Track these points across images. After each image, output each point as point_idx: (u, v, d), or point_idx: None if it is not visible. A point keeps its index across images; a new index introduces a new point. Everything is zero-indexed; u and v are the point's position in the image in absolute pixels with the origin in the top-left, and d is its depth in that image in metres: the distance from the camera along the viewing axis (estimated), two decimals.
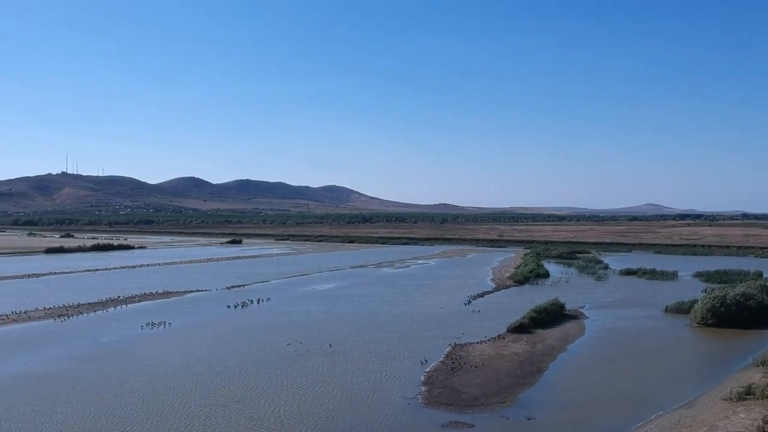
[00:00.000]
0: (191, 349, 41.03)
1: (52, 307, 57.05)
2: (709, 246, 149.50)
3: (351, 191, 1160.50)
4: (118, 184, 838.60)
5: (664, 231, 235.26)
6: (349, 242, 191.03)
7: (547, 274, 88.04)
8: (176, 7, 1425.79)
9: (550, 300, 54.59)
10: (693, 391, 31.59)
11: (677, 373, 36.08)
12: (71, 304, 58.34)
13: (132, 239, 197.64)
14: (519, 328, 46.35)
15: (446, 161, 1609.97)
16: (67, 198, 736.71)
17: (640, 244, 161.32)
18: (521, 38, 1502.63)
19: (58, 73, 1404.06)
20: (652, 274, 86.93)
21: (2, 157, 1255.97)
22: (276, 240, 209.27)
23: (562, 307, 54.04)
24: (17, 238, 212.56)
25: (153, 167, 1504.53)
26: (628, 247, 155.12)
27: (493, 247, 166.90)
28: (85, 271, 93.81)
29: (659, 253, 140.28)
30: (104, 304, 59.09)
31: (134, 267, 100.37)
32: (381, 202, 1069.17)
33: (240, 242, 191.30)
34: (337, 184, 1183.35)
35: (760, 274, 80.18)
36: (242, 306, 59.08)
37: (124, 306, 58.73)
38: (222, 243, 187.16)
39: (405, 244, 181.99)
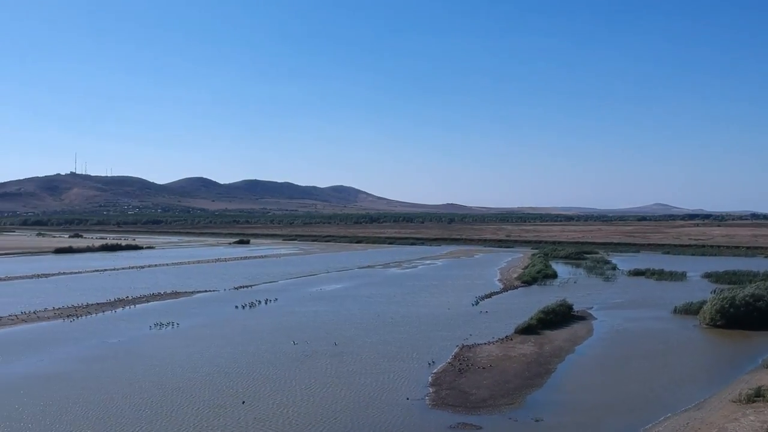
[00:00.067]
0: (199, 349, 41.15)
1: (61, 307, 57.33)
2: (718, 246, 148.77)
3: (358, 191, 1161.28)
4: (126, 184, 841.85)
5: (672, 231, 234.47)
6: (357, 242, 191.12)
7: (555, 275, 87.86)
8: (184, 8, 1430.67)
9: (558, 301, 54.46)
10: (702, 393, 31.45)
11: (686, 375, 35.94)
12: (80, 305, 58.62)
13: (140, 239, 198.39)
14: (527, 329, 46.25)
15: (453, 161, 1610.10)
16: (76, 198, 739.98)
17: (649, 244, 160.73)
18: (528, 37, 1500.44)
19: (67, 74, 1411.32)
20: (660, 275, 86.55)
21: (11, 157, 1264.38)
22: (284, 240, 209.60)
23: (570, 308, 53.90)
24: (26, 238, 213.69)
25: (161, 167, 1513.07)
26: (636, 247, 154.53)
27: (501, 247, 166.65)
28: (93, 271, 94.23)
29: (668, 253, 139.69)
30: (113, 305, 59.33)
31: (142, 267, 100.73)
32: (388, 202, 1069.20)
33: (248, 242, 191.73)
34: (344, 184, 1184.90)
35: None
36: (250, 306, 59.21)
37: (132, 306, 58.95)
38: (230, 243, 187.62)
39: (412, 244, 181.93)
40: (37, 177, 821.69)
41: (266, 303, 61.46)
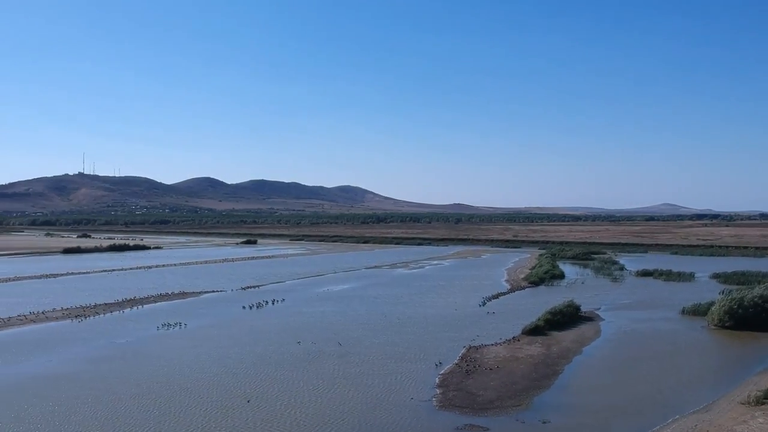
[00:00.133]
0: (207, 350, 41.26)
1: (69, 307, 57.59)
2: (727, 247, 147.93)
3: (365, 191, 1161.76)
4: (134, 184, 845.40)
5: (680, 231, 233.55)
6: (364, 242, 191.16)
7: (562, 275, 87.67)
8: (191, 9, 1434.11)
9: (566, 302, 54.28)
10: (710, 395, 31.31)
11: (694, 377, 35.82)
12: (88, 305, 58.86)
13: (148, 239, 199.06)
14: (534, 330, 46.18)
15: (461, 161, 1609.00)
16: (84, 198, 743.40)
17: (657, 244, 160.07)
18: (535, 37, 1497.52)
19: (75, 74, 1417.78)
20: (668, 276, 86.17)
21: (20, 157, 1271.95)
22: (291, 240, 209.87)
23: (577, 308, 53.73)
24: (35, 238, 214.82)
25: (169, 167, 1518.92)
26: (644, 247, 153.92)
27: (508, 247, 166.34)
28: (101, 271, 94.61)
29: (676, 253, 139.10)
30: (121, 305, 59.56)
31: (150, 267, 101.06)
32: (395, 202, 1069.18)
33: (255, 242, 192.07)
34: (351, 184, 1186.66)
35: None
36: (257, 307, 59.32)
37: (140, 306, 59.16)
38: (237, 243, 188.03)
39: (419, 244, 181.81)
40: (46, 177, 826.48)
41: (273, 303, 61.56)
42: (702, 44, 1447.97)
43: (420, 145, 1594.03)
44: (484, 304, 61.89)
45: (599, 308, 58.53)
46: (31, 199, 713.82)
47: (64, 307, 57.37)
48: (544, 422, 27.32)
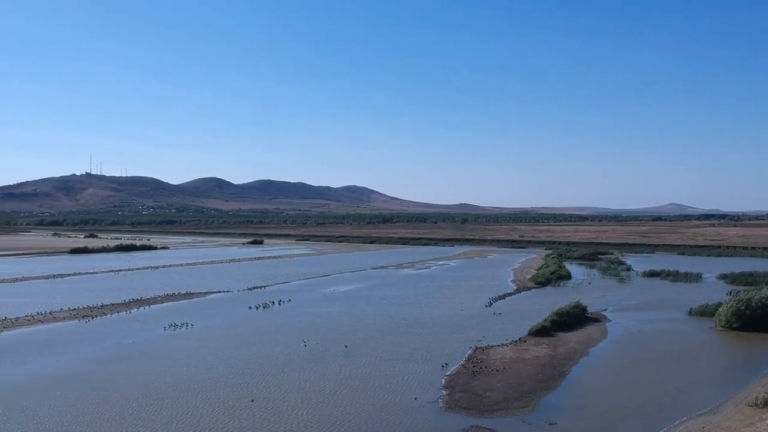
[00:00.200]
0: (213, 350, 41.35)
1: (76, 308, 57.81)
2: (734, 247, 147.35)
3: (371, 191, 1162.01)
4: (140, 184, 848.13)
5: (687, 231, 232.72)
6: (370, 243, 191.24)
7: (568, 276, 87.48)
8: (198, 9, 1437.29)
9: (572, 302, 54.19)
10: (717, 397, 31.19)
11: (701, 378, 35.69)
12: (95, 305, 59.08)
13: (154, 239, 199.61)
14: (540, 332, 46.09)
15: (467, 161, 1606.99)
16: (91, 198, 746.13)
17: (664, 245, 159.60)
18: (542, 37, 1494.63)
19: (82, 75, 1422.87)
20: (675, 276, 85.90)
21: (28, 158, 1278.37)
22: (297, 240, 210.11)
23: (584, 309, 53.62)
24: (42, 238, 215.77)
25: (175, 168, 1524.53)
26: (651, 248, 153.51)
27: (514, 247, 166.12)
28: (108, 271, 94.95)
29: (683, 254, 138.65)
30: (127, 305, 59.74)
31: (157, 268, 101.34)
32: (401, 202, 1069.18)
33: (261, 243, 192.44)
34: (357, 185, 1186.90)
35: None
36: (264, 307, 59.41)
37: (147, 307, 59.33)
38: (243, 243, 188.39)
39: (425, 244, 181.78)
40: (53, 177, 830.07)
41: (280, 304, 61.64)
42: (709, 43, 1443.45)
43: (426, 145, 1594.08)
44: (490, 304, 61.81)
45: (606, 309, 58.37)
46: (39, 199, 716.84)
47: (72, 308, 57.59)
48: (551, 424, 27.26)
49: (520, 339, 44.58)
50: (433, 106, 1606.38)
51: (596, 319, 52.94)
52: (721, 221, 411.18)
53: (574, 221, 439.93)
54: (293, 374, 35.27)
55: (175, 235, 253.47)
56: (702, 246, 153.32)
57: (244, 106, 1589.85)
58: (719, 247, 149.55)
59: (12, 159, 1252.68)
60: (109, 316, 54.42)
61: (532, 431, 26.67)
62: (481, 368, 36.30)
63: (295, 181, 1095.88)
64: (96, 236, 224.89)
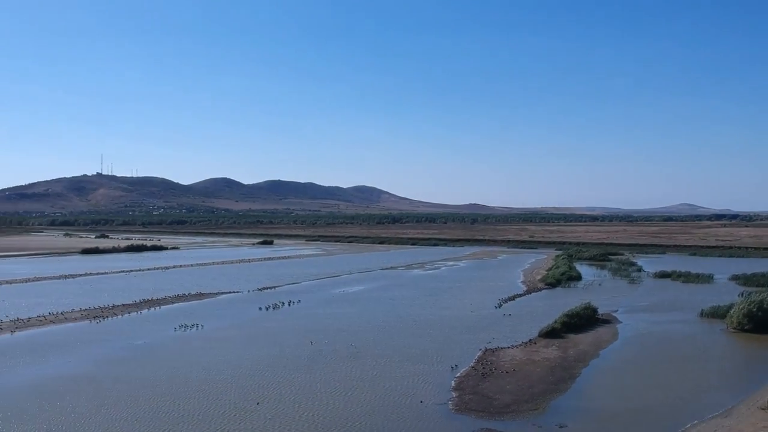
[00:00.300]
0: (223, 351, 41.49)
1: (87, 308, 58.13)
2: (746, 248, 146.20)
3: (381, 191, 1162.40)
4: (151, 184, 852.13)
5: (699, 232, 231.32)
6: (379, 243, 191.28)
7: (579, 277, 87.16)
8: (207, 10, 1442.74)
9: (583, 304, 53.98)
10: (729, 400, 30.98)
11: (713, 381, 35.47)
12: (106, 306, 59.40)
13: (165, 240, 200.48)
14: (551, 333, 45.96)
15: (476, 161, 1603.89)
16: (102, 198, 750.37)
17: (675, 245, 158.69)
18: (551, 37, 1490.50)
19: (93, 76, 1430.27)
20: (686, 277, 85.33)
21: (39, 158, 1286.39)
22: (307, 241, 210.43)
23: (594, 311, 53.40)
24: (54, 238, 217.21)
25: (186, 168, 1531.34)
26: (662, 248, 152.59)
27: (524, 248, 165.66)
28: (119, 272, 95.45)
29: (694, 254, 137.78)
30: (138, 306, 60.02)
31: (167, 268, 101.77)
32: (411, 202, 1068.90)
33: (271, 243, 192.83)
34: (367, 185, 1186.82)
35: None
36: (273, 308, 59.54)
37: (157, 307, 59.59)
38: (253, 244, 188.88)
39: (435, 245, 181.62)
40: (65, 178, 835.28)
41: (289, 305, 61.76)
42: (719, 43, 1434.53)
43: (435, 145, 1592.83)
44: (500, 305, 61.68)
45: (617, 310, 58.13)
46: (51, 199, 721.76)
47: (83, 308, 57.92)
48: (561, 427, 27.17)
49: (530, 341, 44.46)
50: (442, 106, 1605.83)
51: (607, 321, 52.72)
52: (733, 221, 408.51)
53: (585, 221, 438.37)
54: (303, 376, 35.32)
55: (185, 236, 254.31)
56: (713, 246, 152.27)
57: (254, 106, 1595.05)
58: (731, 247, 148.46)
59: (24, 160, 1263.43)
60: (120, 316, 54.71)
61: None
62: (491, 370, 36.23)
63: (305, 182, 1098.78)
64: (107, 236, 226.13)
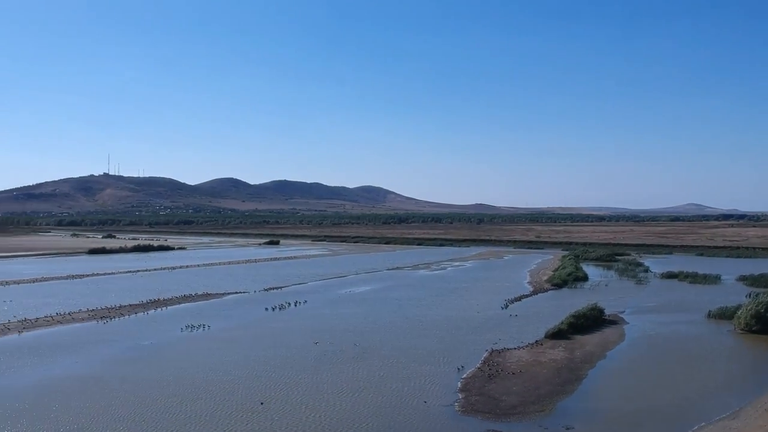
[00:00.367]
0: (230, 352, 41.57)
1: (95, 308, 58.34)
2: (754, 248, 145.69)
3: (387, 191, 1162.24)
4: (158, 185, 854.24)
5: (706, 232, 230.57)
6: (385, 243, 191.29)
7: (585, 277, 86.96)
8: (214, 11, 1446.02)
9: (589, 305, 53.91)
10: (737, 402, 30.88)
11: (720, 382, 35.35)
12: (113, 306, 59.60)
13: (172, 240, 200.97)
14: (557, 334, 45.88)
15: (482, 161, 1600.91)
16: (109, 198, 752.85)
17: (682, 245, 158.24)
18: (558, 36, 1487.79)
19: (100, 77, 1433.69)
20: (694, 278, 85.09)
21: (47, 159, 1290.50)
22: (313, 241, 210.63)
23: (601, 312, 53.31)
24: (61, 238, 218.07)
25: (192, 168, 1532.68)
26: (669, 248, 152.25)
27: (531, 248, 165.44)
28: (126, 272, 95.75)
29: (701, 255, 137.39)
30: (145, 306, 60.20)
31: (174, 268, 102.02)
32: (417, 202, 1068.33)
33: (277, 243, 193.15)
34: (373, 185, 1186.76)
35: None
36: (280, 308, 59.63)
37: (164, 308, 59.76)
38: (260, 244, 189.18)
39: (441, 245, 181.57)
40: (72, 178, 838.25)
41: (296, 305, 61.84)
42: (723, 43, 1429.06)
43: (442, 145, 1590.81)
44: (506, 306, 61.62)
45: (623, 311, 57.99)
46: (58, 199, 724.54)
47: (90, 309, 58.13)
48: (568, 428, 27.13)
49: (536, 342, 44.39)
50: (448, 106, 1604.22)
51: (614, 322, 52.60)
52: (741, 221, 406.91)
53: (591, 221, 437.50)
54: (309, 377, 35.36)
55: (192, 236, 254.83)
56: (721, 247, 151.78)
57: (260, 107, 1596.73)
58: (738, 248, 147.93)
59: (31, 160, 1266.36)
60: (127, 317, 54.89)
61: None
62: (497, 371, 36.19)
63: (311, 182, 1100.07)
64: (114, 236, 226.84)
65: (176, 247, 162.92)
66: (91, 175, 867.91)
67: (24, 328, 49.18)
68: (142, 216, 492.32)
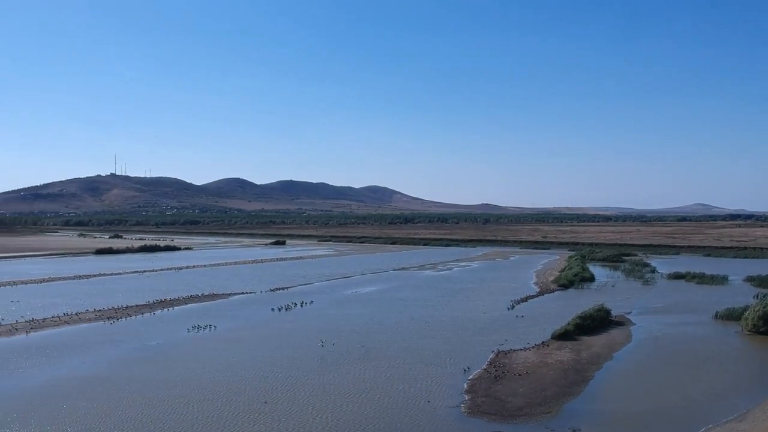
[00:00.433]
0: (236, 352, 41.64)
1: (102, 309, 58.52)
2: (762, 249, 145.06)
3: (393, 191, 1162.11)
4: (164, 185, 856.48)
5: (713, 232, 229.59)
6: (391, 243, 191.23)
7: (592, 278, 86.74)
8: (219, 11, 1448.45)
9: (596, 305, 53.78)
10: (745, 403, 30.76)
11: (728, 384, 35.21)
12: (120, 306, 59.78)
13: (178, 240, 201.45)
14: (564, 335, 45.79)
15: (488, 161, 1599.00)
16: (116, 199, 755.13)
17: (689, 246, 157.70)
18: (563, 35, 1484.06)
19: (106, 78, 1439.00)
20: (701, 279, 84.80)
21: (54, 159, 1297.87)
22: (319, 241, 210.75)
23: (607, 313, 53.17)
24: (68, 238, 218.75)
25: (199, 168, 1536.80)
26: (676, 249, 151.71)
27: (537, 248, 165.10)
28: (133, 272, 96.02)
29: (708, 255, 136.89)
30: (151, 307, 60.36)
31: (180, 268, 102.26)
32: (423, 202, 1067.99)
33: (283, 243, 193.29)
34: (379, 185, 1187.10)
35: None
36: (286, 309, 59.70)
37: (170, 308, 59.90)
38: (266, 244, 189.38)
39: (447, 245, 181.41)
40: (79, 178, 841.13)
41: (302, 306, 61.90)
42: (729, 42, 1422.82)
43: (448, 144, 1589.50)
44: (512, 307, 61.53)
45: (630, 312, 57.83)
46: (65, 199, 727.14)
47: (97, 309, 58.32)
48: (575, 430, 27.07)
49: (543, 343, 44.32)
50: (455, 107, 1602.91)
51: (620, 323, 52.45)
52: (748, 222, 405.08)
53: (598, 222, 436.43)
54: (315, 377, 35.40)
55: (198, 236, 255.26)
56: (728, 247, 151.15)
57: (266, 107, 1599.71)
58: (746, 248, 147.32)
59: (39, 160, 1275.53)
60: (133, 317, 55.04)
61: None
62: (503, 372, 36.15)
63: (317, 182, 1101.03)
64: (121, 237, 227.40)
65: (183, 247, 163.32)
66: (98, 176, 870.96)
67: (32, 328, 49.41)
68: (148, 216, 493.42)
